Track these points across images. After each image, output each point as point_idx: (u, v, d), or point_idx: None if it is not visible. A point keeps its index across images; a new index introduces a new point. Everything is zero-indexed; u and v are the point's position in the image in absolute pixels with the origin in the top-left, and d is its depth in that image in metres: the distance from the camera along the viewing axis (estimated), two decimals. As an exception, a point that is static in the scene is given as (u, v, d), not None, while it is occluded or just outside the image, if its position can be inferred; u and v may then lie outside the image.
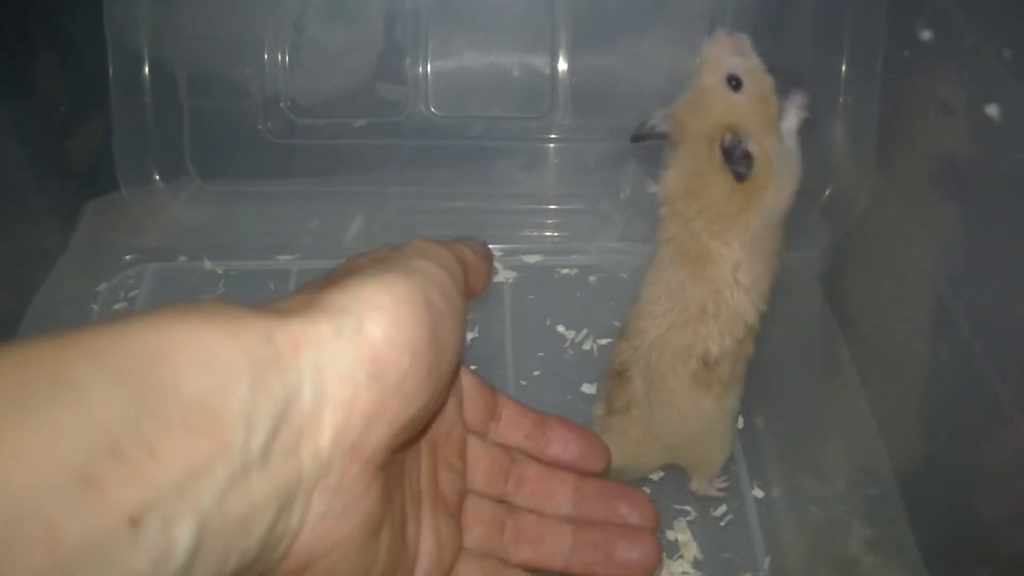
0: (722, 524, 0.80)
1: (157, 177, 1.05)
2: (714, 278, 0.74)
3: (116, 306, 0.98)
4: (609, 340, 0.92)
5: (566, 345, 0.94)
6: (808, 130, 0.97)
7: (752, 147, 0.72)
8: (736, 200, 0.72)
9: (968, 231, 0.80)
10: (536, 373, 0.91)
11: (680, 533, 0.78)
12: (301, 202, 1.05)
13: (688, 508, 0.80)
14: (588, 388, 0.89)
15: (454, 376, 0.45)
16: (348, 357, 0.35)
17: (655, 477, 0.83)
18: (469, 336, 0.94)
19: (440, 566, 0.47)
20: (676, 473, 0.83)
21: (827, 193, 1.01)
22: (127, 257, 1.03)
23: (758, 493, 0.82)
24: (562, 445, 0.55)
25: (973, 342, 0.75)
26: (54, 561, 0.27)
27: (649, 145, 0.96)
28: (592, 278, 1.00)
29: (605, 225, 1.01)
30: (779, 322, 0.94)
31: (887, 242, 0.95)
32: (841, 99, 0.99)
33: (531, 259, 1.01)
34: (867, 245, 0.98)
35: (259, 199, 1.05)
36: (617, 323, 0.92)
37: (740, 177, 0.71)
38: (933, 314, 0.83)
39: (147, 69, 1.03)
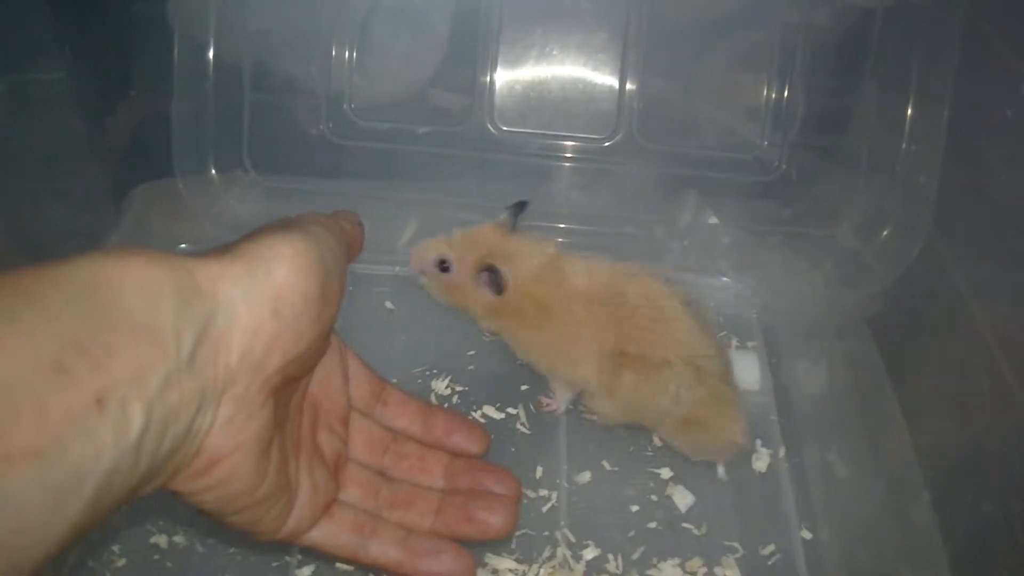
0: (770, 563, 0.81)
1: (212, 167, 1.07)
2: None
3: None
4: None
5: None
6: (870, 172, 1.00)
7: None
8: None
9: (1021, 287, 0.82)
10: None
11: (728, 569, 0.80)
12: (354, 204, 1.03)
13: (736, 545, 0.82)
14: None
15: (330, 328, 0.54)
16: (257, 294, 0.46)
17: (705, 521, 0.84)
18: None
19: (314, 503, 0.56)
20: (726, 512, 0.84)
21: (883, 236, 1.02)
22: (180, 247, 1.04)
23: (806, 535, 0.83)
24: (444, 430, 0.66)
25: (1020, 396, 0.77)
26: (47, 432, 0.36)
27: (711, 175, 0.99)
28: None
29: (661, 252, 1.03)
30: (828, 362, 0.96)
31: (939, 290, 0.96)
32: (904, 145, 1.01)
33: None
34: (919, 291, 0.99)
35: (312, 198, 1.07)
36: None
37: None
38: (982, 365, 0.85)
39: (212, 59, 1.04)
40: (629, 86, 1.05)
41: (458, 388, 0.92)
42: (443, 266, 0.85)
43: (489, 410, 0.90)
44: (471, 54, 1.05)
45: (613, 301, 0.83)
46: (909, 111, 1.01)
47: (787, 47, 1.04)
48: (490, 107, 1.05)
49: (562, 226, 1.06)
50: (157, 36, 1.03)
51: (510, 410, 0.91)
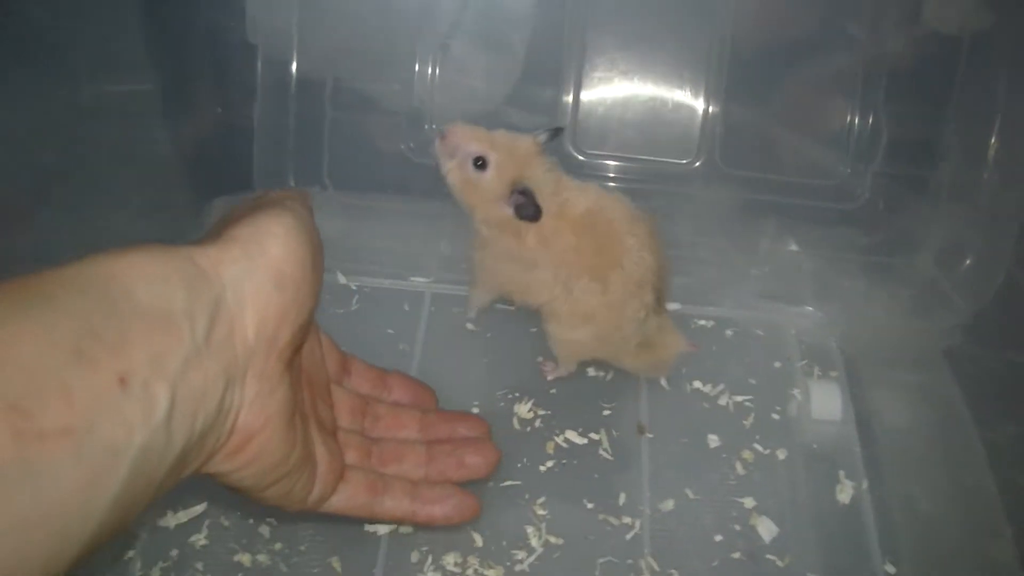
0: (855, 599, 0.82)
1: (292, 183, 1.08)
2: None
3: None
4: (745, 397, 0.95)
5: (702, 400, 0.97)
6: (952, 202, 1.00)
7: None
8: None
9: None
10: (665, 423, 0.94)
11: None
12: (433, 223, 1.07)
13: (820, 579, 0.82)
14: (714, 441, 0.91)
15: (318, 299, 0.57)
16: (259, 272, 0.49)
17: (789, 553, 0.84)
18: (607, 375, 0.96)
19: (332, 470, 0.61)
20: (809, 544, 0.85)
21: (963, 268, 1.02)
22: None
23: (890, 568, 0.83)
24: (400, 391, 0.74)
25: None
26: (75, 411, 0.38)
27: (791, 202, 0.99)
28: (728, 332, 1.02)
29: (741, 279, 1.03)
30: (907, 394, 0.96)
31: (1018, 324, 0.96)
32: (987, 176, 1.01)
33: (669, 307, 1.02)
34: (997, 325, 0.99)
35: (390, 216, 1.08)
36: (753, 380, 0.95)
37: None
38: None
39: (294, 76, 1.06)
40: (711, 111, 1.05)
41: (540, 412, 0.93)
42: (478, 163, 0.84)
43: (572, 435, 0.91)
44: (553, 75, 1.06)
45: (597, 228, 0.86)
46: (992, 142, 1.01)
47: (870, 74, 1.05)
48: (571, 129, 1.06)
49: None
50: (242, 52, 1.04)
51: (592, 435, 0.91)
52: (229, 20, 1.05)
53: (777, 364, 0.99)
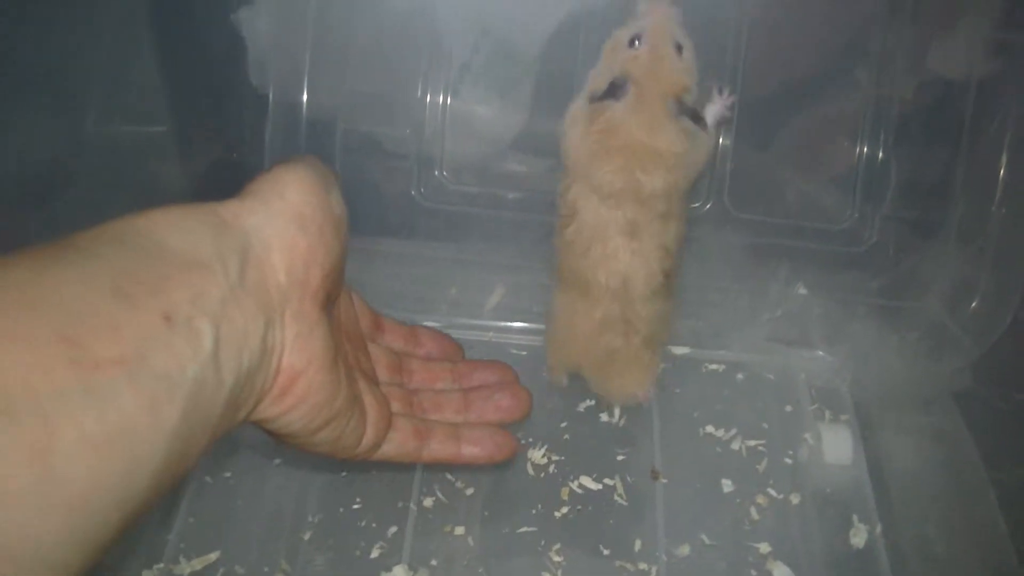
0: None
1: (302, 226, 1.09)
2: (657, 212, 0.88)
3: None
4: (757, 441, 0.96)
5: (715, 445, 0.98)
6: (959, 244, 1.02)
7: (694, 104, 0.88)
8: (679, 155, 0.87)
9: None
10: (679, 468, 0.96)
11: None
12: (443, 267, 1.10)
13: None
14: (728, 486, 0.93)
15: (347, 244, 0.59)
16: (279, 217, 0.51)
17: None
18: (620, 421, 0.98)
19: (380, 416, 0.64)
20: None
21: (970, 309, 1.04)
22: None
23: (902, 610, 0.85)
24: (430, 344, 0.79)
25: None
26: (125, 343, 0.40)
27: (800, 245, 1.01)
28: (740, 376, 1.04)
29: (751, 323, 1.05)
30: (918, 437, 0.98)
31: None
32: (994, 218, 1.03)
33: (679, 351, 1.05)
34: (1006, 366, 1.01)
35: (400, 260, 1.10)
36: (764, 424, 0.97)
37: (704, 125, 0.89)
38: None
39: (304, 121, 1.08)
40: (720, 152, 1.07)
41: (555, 458, 0.94)
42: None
43: (586, 480, 0.92)
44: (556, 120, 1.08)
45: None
46: (999, 185, 1.03)
47: (878, 118, 1.07)
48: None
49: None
50: (252, 96, 1.06)
51: (607, 481, 0.93)
52: (241, 63, 1.06)
53: (788, 408, 1.01)
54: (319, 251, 0.53)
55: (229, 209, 0.50)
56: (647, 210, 0.88)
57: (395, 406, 0.69)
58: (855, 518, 0.92)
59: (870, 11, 1.07)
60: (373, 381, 0.67)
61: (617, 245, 0.89)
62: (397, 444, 0.67)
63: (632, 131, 0.86)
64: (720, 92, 0.94)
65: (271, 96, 1.06)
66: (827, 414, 1.01)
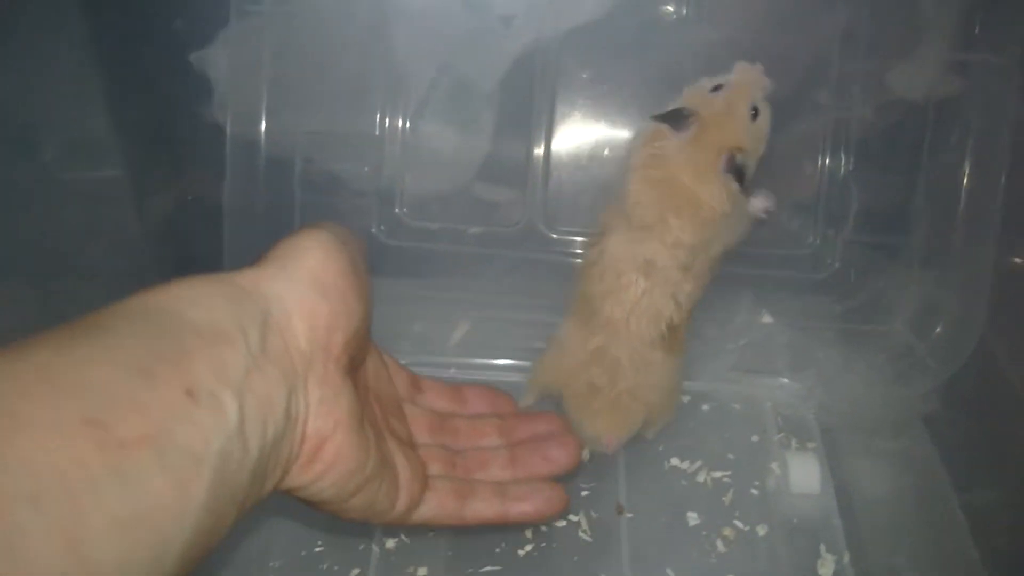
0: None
1: (263, 267, 1.09)
2: (677, 261, 0.87)
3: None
4: (723, 473, 0.96)
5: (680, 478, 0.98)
6: (923, 268, 1.02)
7: (748, 169, 0.87)
8: (719, 210, 0.85)
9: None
10: (644, 502, 0.95)
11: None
12: (405, 304, 1.09)
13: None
14: (693, 519, 0.93)
15: (371, 309, 0.59)
16: (299, 283, 0.51)
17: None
18: (584, 454, 0.97)
19: (414, 478, 0.62)
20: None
21: (936, 332, 1.04)
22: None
23: (871, 638, 0.84)
24: (477, 402, 0.75)
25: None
26: (150, 421, 0.40)
27: (763, 273, 1.01)
28: (705, 407, 1.04)
29: (716, 353, 1.05)
30: (887, 462, 0.98)
31: (994, 387, 0.98)
32: (957, 240, 1.03)
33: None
34: (973, 389, 1.01)
35: (363, 297, 1.09)
36: (730, 455, 0.96)
37: (745, 192, 0.87)
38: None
39: (263, 160, 1.07)
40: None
41: (518, 495, 0.93)
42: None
43: (550, 517, 0.91)
44: (523, 153, 1.08)
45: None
46: (961, 207, 1.03)
47: (838, 142, 1.08)
48: (542, 208, 1.08)
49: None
50: (210, 134, 1.06)
51: (571, 517, 0.92)
52: (197, 102, 1.06)
53: (755, 438, 1.01)
54: (341, 316, 0.53)
55: (248, 277, 0.50)
56: (668, 256, 0.87)
57: (435, 467, 0.67)
58: (823, 548, 0.91)
59: (830, 35, 1.07)
60: (407, 443, 0.65)
61: (630, 280, 0.88)
62: (435, 506, 0.65)
63: (678, 168, 0.85)
64: (766, 196, 0.93)
65: (228, 135, 1.06)
66: (794, 443, 1.00)
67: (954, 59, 1.05)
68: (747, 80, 0.88)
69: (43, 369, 0.40)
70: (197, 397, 0.43)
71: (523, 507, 0.68)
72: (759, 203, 0.92)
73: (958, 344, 1.03)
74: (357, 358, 0.57)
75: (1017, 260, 1.00)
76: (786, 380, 1.07)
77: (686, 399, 1.05)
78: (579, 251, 1.09)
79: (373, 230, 1.09)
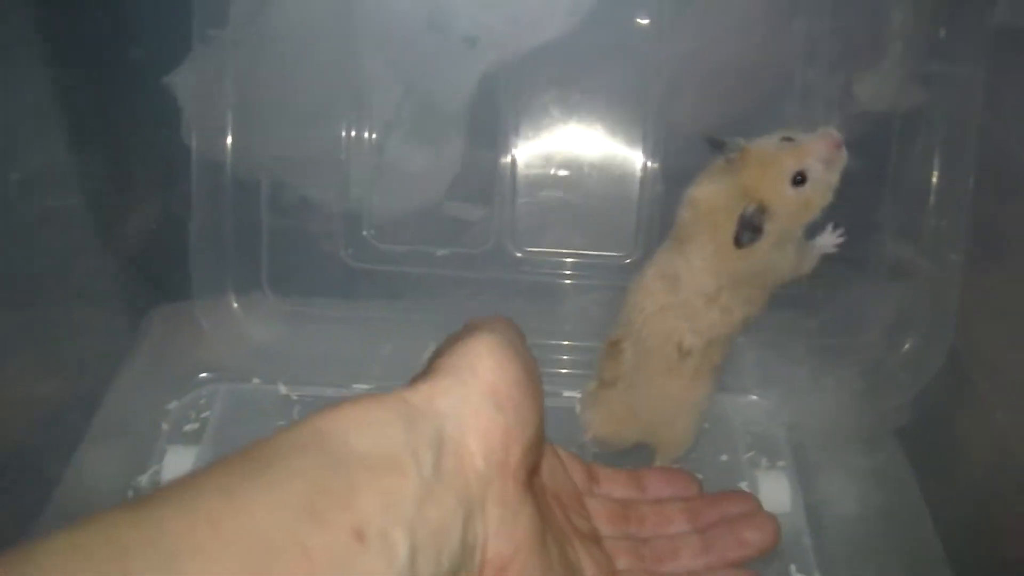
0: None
1: (231, 291, 1.10)
2: (701, 287, 0.85)
3: (187, 427, 1.02)
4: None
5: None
6: (892, 281, 1.02)
7: (767, 228, 0.82)
8: (736, 249, 0.82)
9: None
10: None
11: None
12: (375, 326, 1.09)
13: None
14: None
15: (543, 412, 0.54)
16: (474, 397, 0.48)
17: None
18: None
19: None
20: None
21: (907, 345, 1.04)
22: (200, 375, 1.07)
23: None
24: (657, 486, 0.69)
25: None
26: (315, 570, 0.38)
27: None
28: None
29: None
30: (858, 478, 0.98)
31: (965, 399, 0.98)
32: (925, 253, 1.03)
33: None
34: (945, 401, 1.01)
35: (332, 321, 1.10)
36: (700, 475, 0.96)
37: (738, 242, 0.81)
38: (1009, 475, 0.87)
39: (230, 181, 1.07)
40: (648, 201, 1.07)
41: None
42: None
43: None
44: (489, 175, 1.08)
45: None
46: (929, 219, 1.03)
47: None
48: (510, 227, 1.08)
49: (585, 344, 1.08)
50: (176, 159, 1.06)
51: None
52: (163, 127, 1.06)
53: (724, 457, 1.01)
54: (516, 428, 0.49)
55: (419, 393, 0.47)
56: (691, 276, 0.86)
57: (622, 562, 0.63)
58: (793, 568, 0.91)
59: (793, 49, 1.07)
60: (593, 540, 0.61)
61: (654, 287, 0.87)
62: None
63: (716, 197, 0.85)
64: (834, 229, 0.90)
65: (194, 159, 1.06)
66: (763, 461, 1.00)
67: (919, 70, 1.04)
68: (813, 144, 0.83)
69: (211, 518, 0.38)
70: (366, 538, 0.40)
71: None
72: (823, 242, 0.90)
73: (929, 356, 1.03)
74: (536, 465, 0.54)
75: (985, 270, 1.00)
76: (756, 397, 1.06)
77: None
78: (547, 270, 1.08)
79: (340, 253, 1.09)
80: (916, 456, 1.01)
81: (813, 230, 0.88)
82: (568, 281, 1.09)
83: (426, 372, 0.50)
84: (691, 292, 0.86)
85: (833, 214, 1.02)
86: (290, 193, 1.09)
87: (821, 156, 0.83)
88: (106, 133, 1.06)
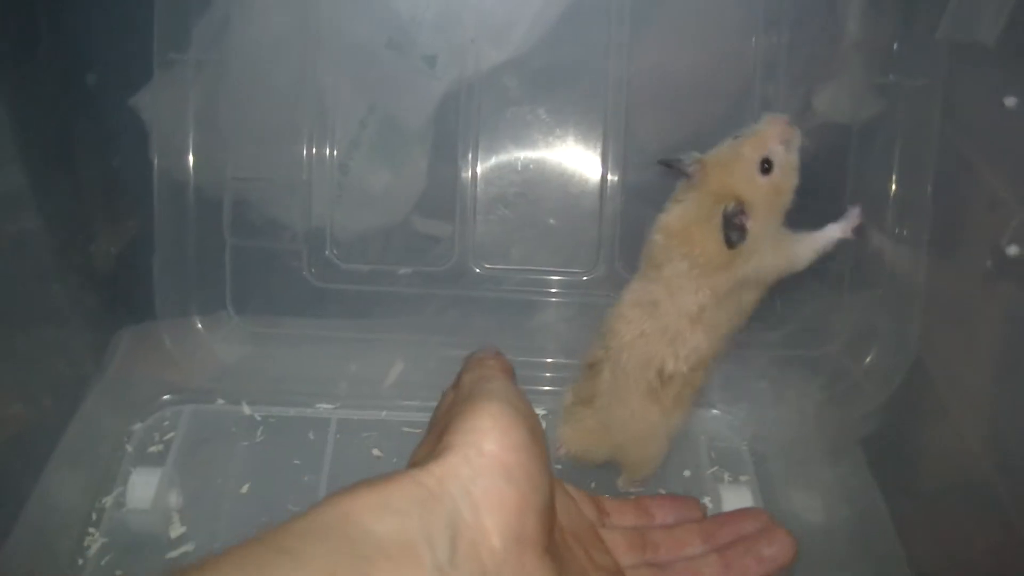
0: None
1: (195, 311, 1.10)
2: (682, 309, 0.84)
3: (151, 448, 1.02)
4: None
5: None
6: (855, 291, 1.02)
7: (750, 224, 0.82)
8: (720, 258, 0.83)
9: (1013, 405, 0.85)
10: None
11: None
12: (340, 346, 1.09)
13: None
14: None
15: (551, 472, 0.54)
16: (483, 473, 0.48)
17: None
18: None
19: None
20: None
21: (871, 355, 1.05)
22: (164, 397, 1.07)
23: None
24: (663, 512, 0.71)
25: (1015, 513, 0.79)
26: None
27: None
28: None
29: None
30: (822, 490, 0.98)
31: (929, 408, 0.99)
32: (888, 262, 1.04)
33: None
34: (909, 410, 1.01)
35: (297, 341, 1.10)
36: (662, 490, 0.96)
37: (730, 243, 0.81)
38: (974, 484, 0.87)
39: (192, 202, 1.08)
40: (609, 217, 1.08)
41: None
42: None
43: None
44: (450, 194, 1.09)
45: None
46: (890, 229, 1.03)
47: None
48: (472, 244, 1.08)
49: (548, 360, 1.08)
50: (139, 182, 1.06)
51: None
52: (128, 150, 1.07)
53: (687, 473, 1.01)
54: (530, 496, 0.49)
55: (432, 475, 0.47)
56: (671, 300, 0.86)
57: None
58: (757, 584, 0.91)
59: (757, 63, 1.08)
60: (615, 573, 0.62)
61: (633, 316, 0.88)
62: None
63: (685, 215, 0.85)
64: (852, 216, 0.90)
65: (156, 180, 1.06)
66: (727, 476, 1.00)
67: (876, 82, 1.05)
68: (767, 130, 0.84)
69: None
70: None
71: None
72: (838, 227, 0.90)
73: (893, 366, 1.03)
74: (551, 524, 0.52)
75: (947, 280, 1.00)
76: (718, 411, 1.07)
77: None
78: (510, 287, 1.09)
79: (304, 272, 1.09)
80: (880, 467, 1.01)
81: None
82: (531, 297, 1.09)
83: (432, 450, 0.50)
84: (673, 316, 0.85)
85: (794, 225, 1.04)
86: (253, 213, 1.09)
87: (779, 138, 0.84)
88: (69, 157, 1.06)
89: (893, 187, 1.03)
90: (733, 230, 0.81)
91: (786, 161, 0.84)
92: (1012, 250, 0.82)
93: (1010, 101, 0.82)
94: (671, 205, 0.86)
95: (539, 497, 0.50)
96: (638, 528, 0.69)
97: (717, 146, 0.86)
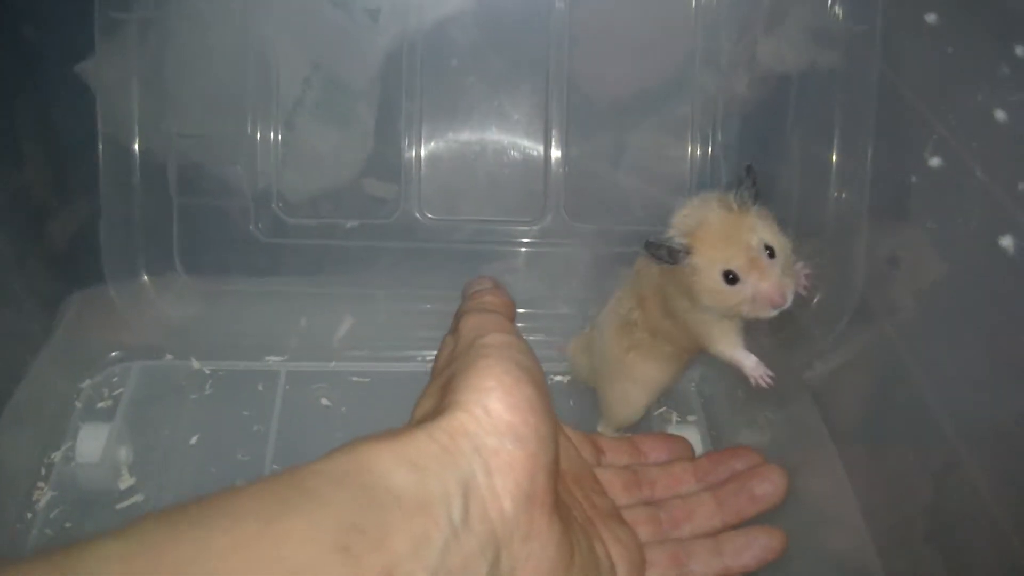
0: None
1: (144, 272, 1.10)
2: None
3: (100, 404, 1.02)
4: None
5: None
6: (799, 236, 1.03)
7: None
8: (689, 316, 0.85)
9: (954, 341, 0.86)
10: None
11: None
12: (290, 301, 1.09)
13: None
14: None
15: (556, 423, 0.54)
16: (491, 434, 0.47)
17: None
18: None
19: (631, 562, 0.58)
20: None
21: (816, 298, 1.05)
22: (112, 354, 1.07)
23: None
24: (656, 451, 0.71)
25: (959, 447, 0.80)
26: None
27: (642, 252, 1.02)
28: (584, 386, 1.04)
29: (595, 330, 1.05)
30: (771, 432, 0.99)
31: (875, 349, 0.99)
32: (830, 207, 1.04)
33: (524, 363, 1.05)
34: (855, 352, 1.02)
35: (247, 297, 1.10)
36: (612, 433, 0.97)
37: (657, 258, 0.81)
38: (921, 425, 0.88)
39: (137, 163, 1.07)
40: (554, 167, 1.09)
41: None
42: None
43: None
44: (395, 146, 1.09)
45: None
46: (832, 175, 1.04)
47: (707, 118, 1.09)
48: (417, 197, 1.09)
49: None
50: (82, 142, 1.06)
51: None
52: (70, 112, 1.06)
53: (634, 413, 1.01)
54: (537, 452, 0.48)
55: (444, 432, 0.47)
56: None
57: (644, 532, 0.63)
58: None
59: (702, 15, 1.09)
60: (616, 519, 0.61)
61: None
62: None
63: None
64: (761, 369, 0.89)
65: (100, 141, 1.06)
66: (674, 416, 1.01)
67: (818, 27, 1.06)
68: (764, 290, 0.82)
69: (246, 545, 0.39)
70: None
71: (744, 560, 0.64)
72: (751, 367, 0.90)
73: (837, 308, 1.04)
74: (557, 482, 0.52)
75: (890, 221, 1.01)
76: (669, 351, 1.07)
77: (566, 380, 1.06)
78: (457, 238, 1.09)
79: (251, 229, 1.09)
80: (828, 409, 1.02)
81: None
82: (479, 248, 1.10)
83: (438, 406, 0.50)
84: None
85: (733, 172, 1.05)
86: (200, 172, 1.09)
87: (763, 301, 0.82)
88: (10, 120, 1.05)
89: (836, 132, 1.04)
90: (661, 251, 0.80)
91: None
92: (934, 161, 0.84)
93: (930, 18, 0.83)
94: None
95: (547, 454, 0.49)
96: (631, 467, 0.69)
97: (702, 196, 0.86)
